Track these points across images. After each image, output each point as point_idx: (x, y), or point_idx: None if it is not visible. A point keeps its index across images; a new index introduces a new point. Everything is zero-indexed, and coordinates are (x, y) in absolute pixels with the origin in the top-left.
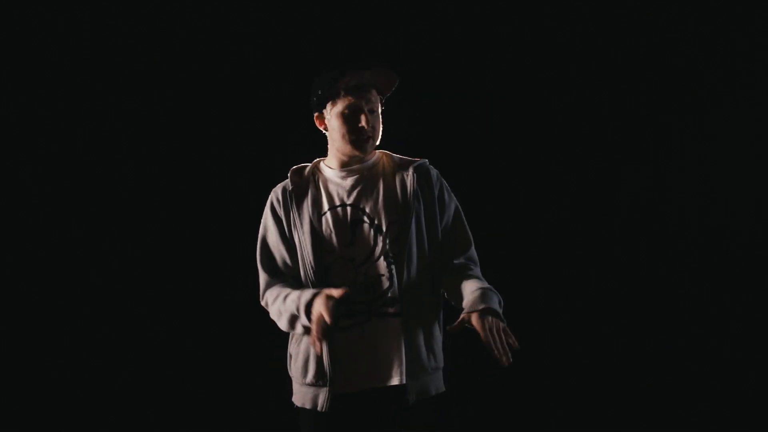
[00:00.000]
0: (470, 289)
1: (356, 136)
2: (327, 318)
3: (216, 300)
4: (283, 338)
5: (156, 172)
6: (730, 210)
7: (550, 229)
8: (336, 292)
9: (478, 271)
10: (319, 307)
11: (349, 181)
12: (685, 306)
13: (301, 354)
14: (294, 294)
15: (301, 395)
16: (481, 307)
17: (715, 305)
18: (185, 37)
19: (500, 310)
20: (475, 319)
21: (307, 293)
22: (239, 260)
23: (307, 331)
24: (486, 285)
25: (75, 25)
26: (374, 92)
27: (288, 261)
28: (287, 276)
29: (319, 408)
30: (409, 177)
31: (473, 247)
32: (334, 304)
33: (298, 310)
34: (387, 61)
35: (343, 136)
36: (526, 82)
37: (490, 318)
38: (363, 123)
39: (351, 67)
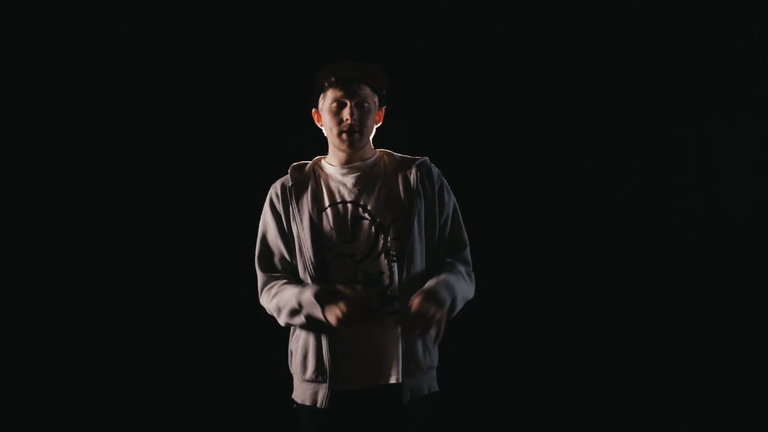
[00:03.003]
0: (430, 281)
1: (341, 129)
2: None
3: (216, 299)
4: (284, 336)
5: (156, 171)
6: (730, 210)
7: (549, 229)
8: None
9: (461, 269)
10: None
11: (350, 179)
12: (685, 305)
13: (300, 350)
14: (292, 289)
15: (301, 391)
16: (425, 288)
17: (715, 305)
18: (185, 37)
19: (448, 300)
20: (415, 299)
21: (310, 288)
22: (239, 259)
23: (308, 322)
24: (445, 278)
25: (75, 24)
26: (366, 88)
27: (287, 256)
28: (284, 272)
29: (318, 404)
30: (412, 175)
31: (468, 249)
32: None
33: (300, 304)
34: (385, 60)
35: (331, 130)
36: (526, 82)
37: (430, 302)
38: (346, 116)
39: (334, 61)
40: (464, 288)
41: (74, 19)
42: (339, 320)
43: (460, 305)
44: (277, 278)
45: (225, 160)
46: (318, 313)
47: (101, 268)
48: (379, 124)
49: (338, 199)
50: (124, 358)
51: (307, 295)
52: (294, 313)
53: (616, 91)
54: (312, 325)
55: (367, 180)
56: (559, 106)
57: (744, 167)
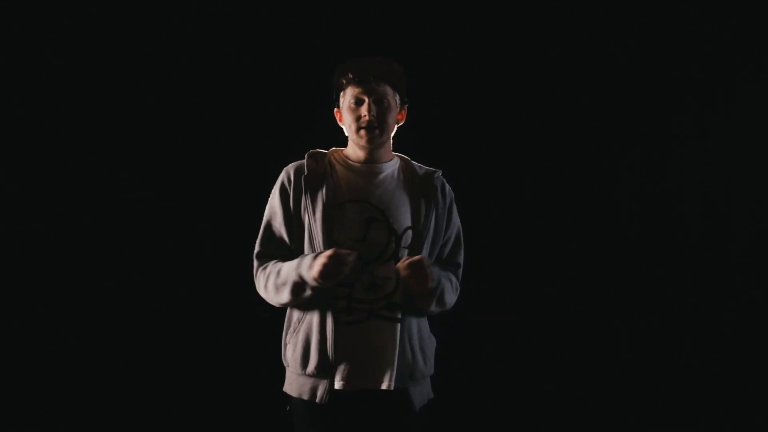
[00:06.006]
0: None
1: (359, 125)
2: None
3: (217, 298)
4: (277, 328)
5: (161, 171)
6: (730, 210)
7: (549, 230)
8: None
9: (452, 278)
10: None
11: (370, 179)
12: (685, 305)
13: (300, 343)
14: (288, 264)
15: (299, 385)
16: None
17: (715, 305)
18: (192, 32)
19: (436, 285)
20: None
21: (307, 257)
22: (237, 259)
23: (312, 291)
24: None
25: (81, 23)
26: (385, 85)
27: (288, 243)
28: (282, 258)
29: (318, 400)
30: (431, 188)
31: (461, 270)
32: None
33: (300, 276)
34: (393, 58)
35: (350, 127)
36: (526, 83)
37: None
38: (364, 112)
39: (350, 59)
40: (449, 292)
41: (79, 16)
42: (320, 271)
43: (437, 305)
44: (272, 259)
45: (227, 159)
46: (311, 276)
47: (104, 266)
48: (401, 123)
49: (355, 197)
50: (122, 356)
51: (305, 262)
52: (297, 287)
53: (617, 92)
54: (317, 297)
55: (384, 183)
56: (558, 105)
57: (744, 167)
